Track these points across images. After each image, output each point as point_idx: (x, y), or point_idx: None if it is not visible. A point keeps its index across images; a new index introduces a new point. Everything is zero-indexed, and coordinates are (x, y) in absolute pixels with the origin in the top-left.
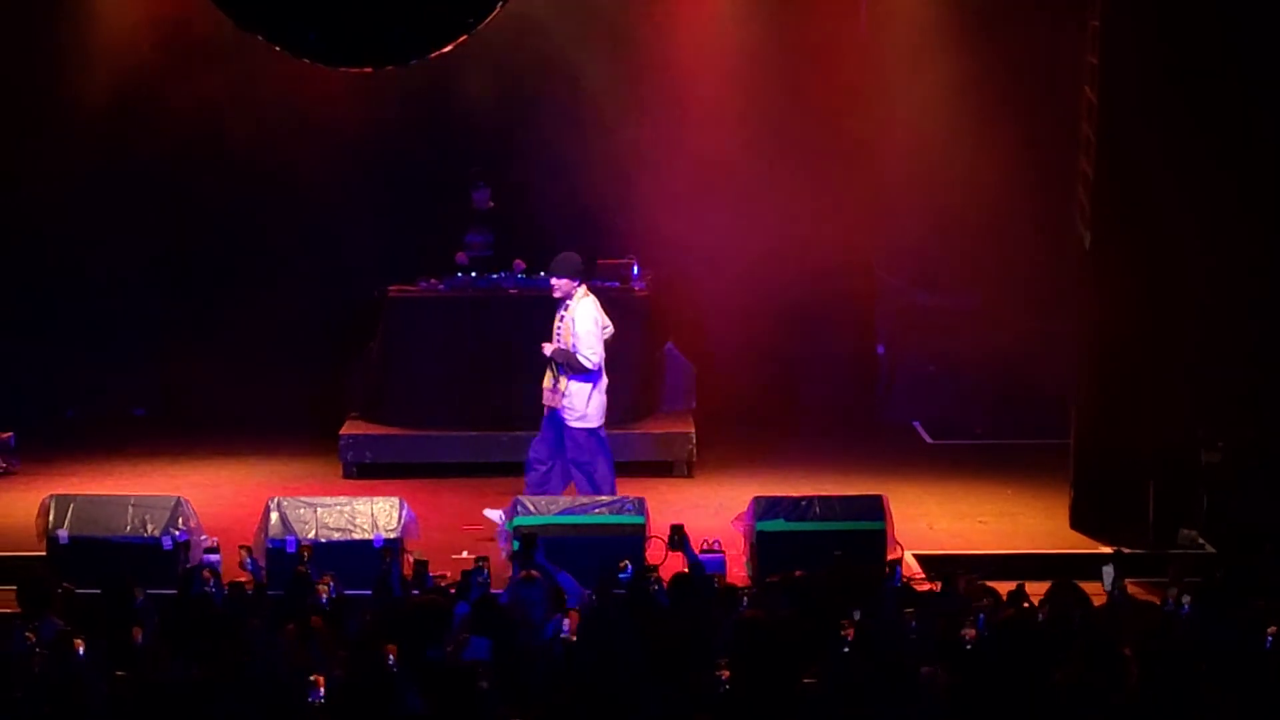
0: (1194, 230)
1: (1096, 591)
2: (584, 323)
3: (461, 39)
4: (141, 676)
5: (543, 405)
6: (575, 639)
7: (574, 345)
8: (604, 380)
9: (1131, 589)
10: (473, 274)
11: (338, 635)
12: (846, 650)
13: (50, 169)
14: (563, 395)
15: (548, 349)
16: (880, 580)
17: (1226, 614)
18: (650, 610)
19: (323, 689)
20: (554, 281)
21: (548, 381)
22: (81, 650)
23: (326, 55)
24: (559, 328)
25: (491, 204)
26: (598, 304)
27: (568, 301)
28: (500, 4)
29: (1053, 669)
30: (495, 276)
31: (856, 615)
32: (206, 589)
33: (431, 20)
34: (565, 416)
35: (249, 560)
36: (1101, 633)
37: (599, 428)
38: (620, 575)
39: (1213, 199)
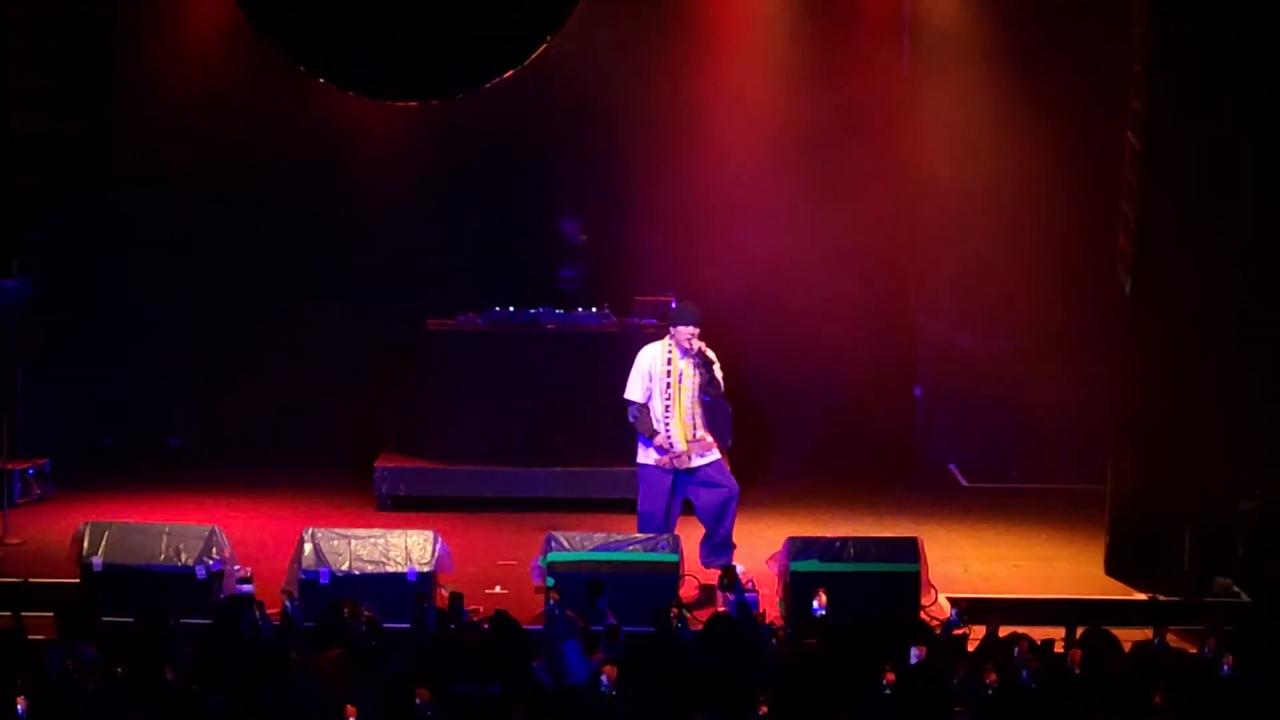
0: (1235, 279)
1: (1130, 637)
2: None
3: (506, 75)
4: (175, 705)
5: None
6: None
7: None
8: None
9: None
10: (510, 309)
11: (373, 669)
12: (885, 694)
13: (91, 197)
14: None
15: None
16: (913, 626)
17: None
18: (675, 648)
19: None
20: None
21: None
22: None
23: (370, 89)
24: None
25: (583, 237)
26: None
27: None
28: (543, 44)
29: (1086, 715)
30: (533, 311)
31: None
32: (256, 621)
33: (475, 57)
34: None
35: (289, 604)
36: (1135, 680)
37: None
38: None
39: (1256, 249)
